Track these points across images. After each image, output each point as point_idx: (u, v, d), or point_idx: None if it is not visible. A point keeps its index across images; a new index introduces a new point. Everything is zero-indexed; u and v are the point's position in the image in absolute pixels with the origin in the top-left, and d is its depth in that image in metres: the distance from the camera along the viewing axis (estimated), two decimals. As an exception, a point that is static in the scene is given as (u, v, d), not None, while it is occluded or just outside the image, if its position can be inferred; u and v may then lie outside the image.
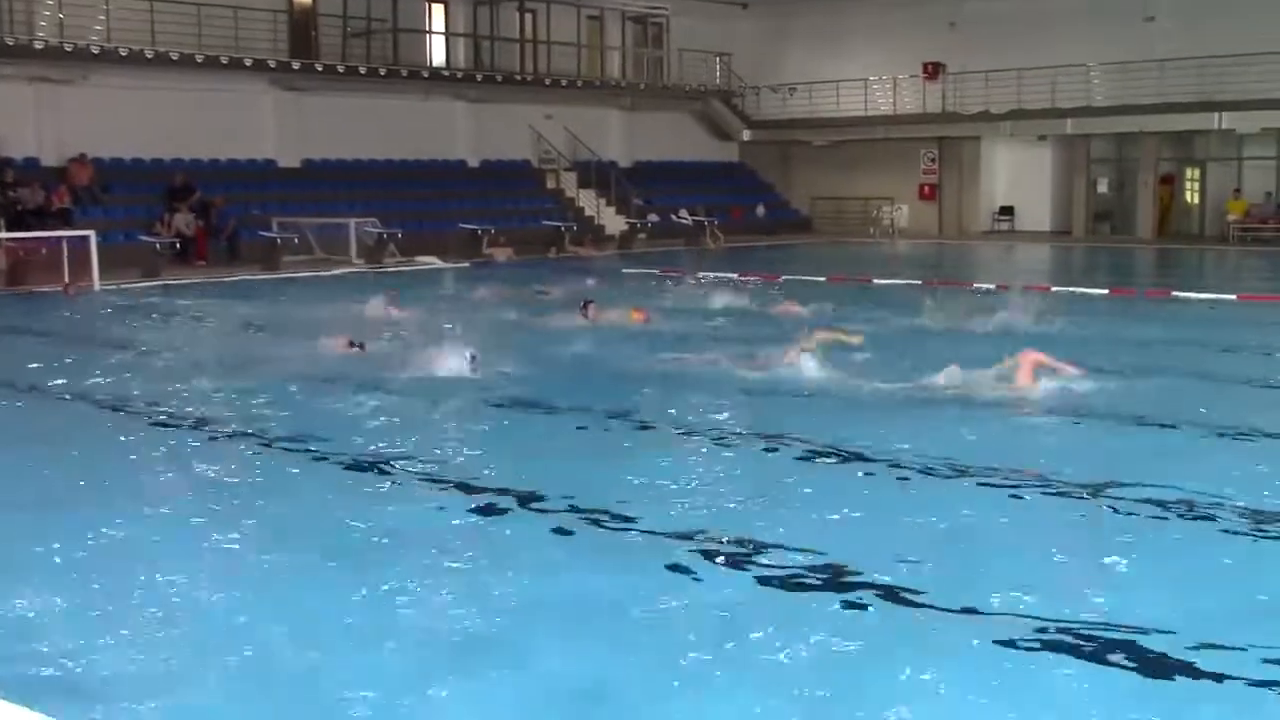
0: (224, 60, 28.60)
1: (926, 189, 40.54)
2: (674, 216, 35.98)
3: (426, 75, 33.02)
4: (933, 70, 38.90)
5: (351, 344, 13.54)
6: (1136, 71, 33.97)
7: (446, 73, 33.69)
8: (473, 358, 12.02)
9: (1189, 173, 39.02)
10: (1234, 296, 20.53)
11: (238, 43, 28.88)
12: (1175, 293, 21.08)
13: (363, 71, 31.36)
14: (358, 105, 32.01)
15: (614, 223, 35.51)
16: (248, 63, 29.08)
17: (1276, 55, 31.36)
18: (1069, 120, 36.00)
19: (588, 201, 36.03)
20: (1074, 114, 35.72)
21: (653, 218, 35.60)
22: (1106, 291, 21.88)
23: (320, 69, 30.73)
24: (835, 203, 41.42)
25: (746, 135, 41.75)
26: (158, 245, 25.20)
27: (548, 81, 35.52)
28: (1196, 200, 38.73)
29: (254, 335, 16.55)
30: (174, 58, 27.60)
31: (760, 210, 40.00)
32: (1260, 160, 36.58)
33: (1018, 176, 40.22)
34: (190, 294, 21.74)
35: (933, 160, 40.31)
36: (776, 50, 41.56)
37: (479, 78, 34.07)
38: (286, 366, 12.79)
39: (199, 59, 28.08)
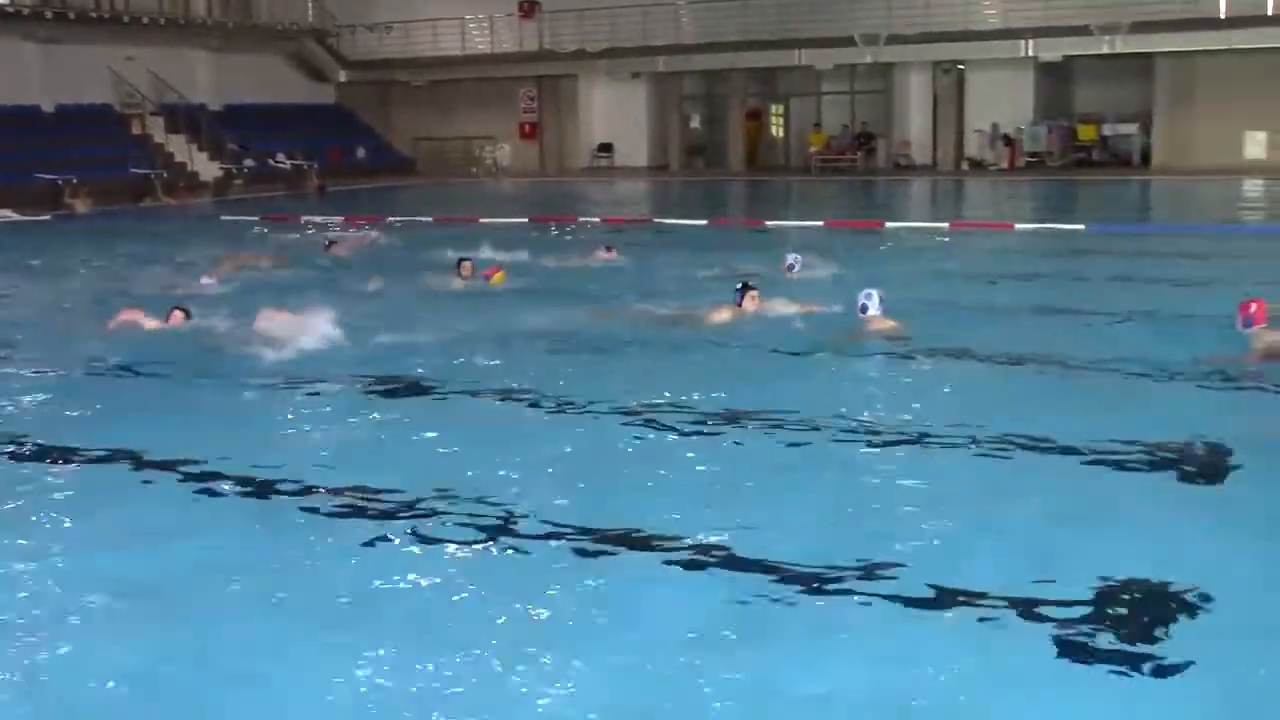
0: None
1: (527, 127, 40.87)
2: (271, 161, 34.76)
3: (-12, 12, 30.47)
4: (528, 8, 39.08)
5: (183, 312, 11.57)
6: (723, 9, 35.24)
7: (12, 9, 31.11)
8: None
9: (774, 108, 41.09)
10: (821, 223, 21.76)
11: None
12: (769, 222, 22.19)
13: (-88, 8, 28.62)
14: (-91, 45, 29.19)
15: (208, 169, 33.95)
16: None
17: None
18: (661, 58, 36.94)
19: (178, 147, 34.21)
20: (665, 51, 36.69)
21: (249, 163, 34.28)
22: (705, 222, 22.79)
23: None
24: (438, 143, 41.17)
25: (343, 76, 40.77)
26: None
27: (126, 20, 33.42)
28: (781, 134, 40.85)
29: None
30: None
31: (361, 152, 39.16)
32: (836, 95, 38.95)
33: (615, 114, 41.04)
34: None
35: (532, 99, 40.64)
36: (370, -12, 40.69)
37: (49, 15, 31.65)
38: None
39: None
